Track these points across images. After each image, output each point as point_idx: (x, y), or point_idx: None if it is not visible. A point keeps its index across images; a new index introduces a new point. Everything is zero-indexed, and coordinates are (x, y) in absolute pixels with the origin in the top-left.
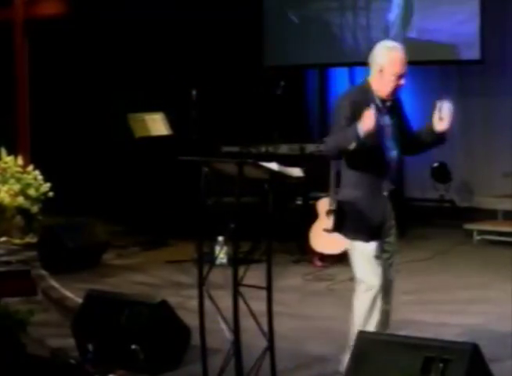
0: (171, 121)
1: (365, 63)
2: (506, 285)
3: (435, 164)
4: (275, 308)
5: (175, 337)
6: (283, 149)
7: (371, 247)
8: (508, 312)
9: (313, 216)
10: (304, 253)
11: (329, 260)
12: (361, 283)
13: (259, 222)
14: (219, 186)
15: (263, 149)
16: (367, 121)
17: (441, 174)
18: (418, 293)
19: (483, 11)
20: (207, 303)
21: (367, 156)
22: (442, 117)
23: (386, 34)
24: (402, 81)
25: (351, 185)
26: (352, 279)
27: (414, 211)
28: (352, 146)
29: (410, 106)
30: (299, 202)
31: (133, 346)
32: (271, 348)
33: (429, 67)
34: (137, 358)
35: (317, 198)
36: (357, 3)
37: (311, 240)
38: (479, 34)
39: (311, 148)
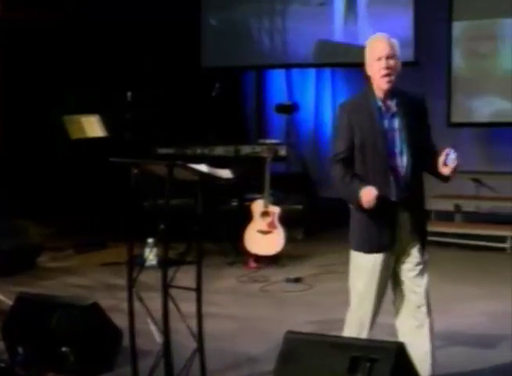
0: (107, 123)
1: (302, 65)
2: (436, 284)
3: None
4: (209, 309)
5: (106, 339)
6: (219, 150)
7: (371, 259)
8: (437, 310)
9: (248, 218)
10: (239, 254)
11: (263, 261)
12: (352, 299)
13: (192, 224)
14: (154, 188)
15: (198, 150)
16: (365, 199)
17: None
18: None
19: (417, 13)
20: (140, 305)
21: (369, 163)
22: (447, 163)
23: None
24: (391, 73)
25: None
26: (288, 280)
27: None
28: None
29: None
30: (234, 203)
31: (63, 349)
32: (200, 349)
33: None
34: (67, 361)
35: (252, 200)
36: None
37: (245, 242)
38: (413, 36)
39: (246, 150)
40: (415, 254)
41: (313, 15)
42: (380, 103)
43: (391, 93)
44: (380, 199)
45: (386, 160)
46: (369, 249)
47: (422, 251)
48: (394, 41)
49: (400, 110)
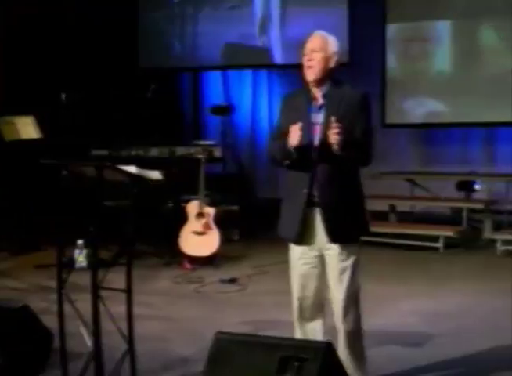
0: (41, 125)
1: (238, 66)
2: (369, 283)
3: None
4: (142, 310)
5: (37, 342)
6: (154, 152)
7: (294, 251)
8: (370, 310)
9: (184, 219)
10: (175, 255)
11: (198, 262)
12: None
13: (124, 225)
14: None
15: (133, 152)
16: (292, 137)
17: None
18: (283, 294)
19: (351, 15)
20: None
21: (290, 155)
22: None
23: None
24: (314, 65)
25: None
26: (223, 281)
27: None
28: (286, 163)
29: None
30: (170, 205)
31: None
32: (131, 350)
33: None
34: None
35: (188, 201)
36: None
37: (180, 243)
38: (348, 37)
39: (181, 151)
40: (333, 259)
41: (224, 18)
42: (309, 96)
43: (321, 86)
44: (296, 193)
45: (308, 154)
46: (284, 237)
47: (342, 256)
48: (326, 37)
49: (328, 103)
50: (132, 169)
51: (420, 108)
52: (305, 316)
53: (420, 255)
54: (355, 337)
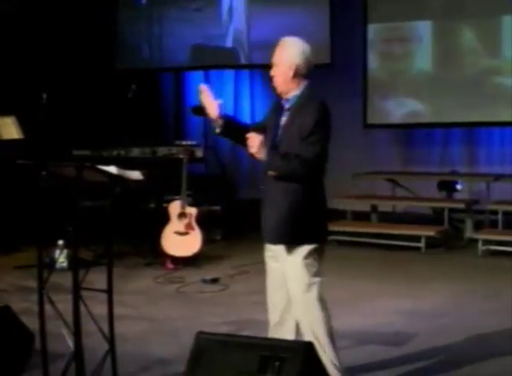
0: (22, 125)
1: (217, 66)
2: (350, 283)
3: None
4: (124, 310)
5: (17, 342)
6: (135, 152)
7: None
8: (350, 309)
9: (166, 219)
10: (157, 256)
11: (181, 262)
12: None
13: (106, 226)
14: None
15: (114, 152)
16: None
17: None
18: (263, 293)
19: (332, 15)
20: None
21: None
22: None
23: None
24: (273, 77)
25: None
26: (205, 281)
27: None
28: (217, 131)
29: (263, 109)
30: (152, 205)
31: None
32: (112, 350)
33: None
34: None
35: (170, 201)
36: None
37: (162, 243)
38: (329, 38)
39: (163, 151)
40: (280, 259)
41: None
42: (281, 101)
43: (287, 93)
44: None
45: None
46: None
47: (288, 257)
48: (287, 47)
49: (291, 110)
50: (112, 169)
51: (401, 108)
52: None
53: (401, 255)
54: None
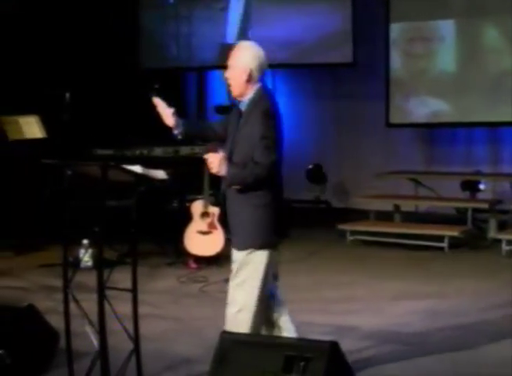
0: (45, 124)
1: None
2: (373, 283)
3: (310, 166)
4: (147, 310)
5: (42, 341)
6: (158, 151)
7: None
8: (374, 310)
9: (189, 218)
10: (180, 255)
11: (203, 262)
12: None
13: (130, 225)
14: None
15: (137, 151)
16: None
17: (317, 175)
18: (286, 293)
19: (354, 14)
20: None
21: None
22: None
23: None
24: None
25: None
26: (228, 280)
27: (289, 213)
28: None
29: (284, 109)
30: (175, 204)
31: None
32: (137, 350)
33: (302, 70)
34: (3, 363)
35: (193, 200)
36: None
37: (185, 242)
38: (351, 38)
39: (185, 150)
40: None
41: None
42: (239, 106)
43: (243, 97)
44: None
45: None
46: None
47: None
48: (243, 51)
49: (244, 114)
50: (137, 169)
51: (424, 107)
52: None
53: (424, 255)
54: None
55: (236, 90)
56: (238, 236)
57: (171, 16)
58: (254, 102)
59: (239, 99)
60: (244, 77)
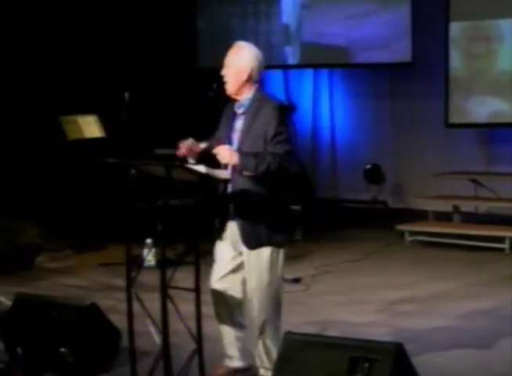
0: (104, 124)
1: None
2: (434, 285)
3: (368, 166)
4: (208, 309)
5: (105, 339)
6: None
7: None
8: (434, 311)
9: None
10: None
11: None
12: None
13: (192, 224)
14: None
15: None
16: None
17: (374, 175)
18: (346, 293)
19: (414, 13)
20: (139, 306)
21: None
22: None
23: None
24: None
25: None
26: (287, 280)
27: (347, 213)
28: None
29: (342, 108)
30: None
31: (62, 349)
32: (199, 350)
33: (360, 70)
34: (66, 361)
35: None
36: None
37: None
38: (410, 37)
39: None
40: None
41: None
42: (234, 106)
43: (240, 96)
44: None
45: None
46: None
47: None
48: (240, 50)
49: (246, 113)
50: (201, 168)
51: (484, 107)
52: None
53: (484, 256)
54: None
55: (231, 88)
56: (250, 234)
57: (235, 13)
58: (258, 101)
59: (234, 97)
60: (244, 76)
